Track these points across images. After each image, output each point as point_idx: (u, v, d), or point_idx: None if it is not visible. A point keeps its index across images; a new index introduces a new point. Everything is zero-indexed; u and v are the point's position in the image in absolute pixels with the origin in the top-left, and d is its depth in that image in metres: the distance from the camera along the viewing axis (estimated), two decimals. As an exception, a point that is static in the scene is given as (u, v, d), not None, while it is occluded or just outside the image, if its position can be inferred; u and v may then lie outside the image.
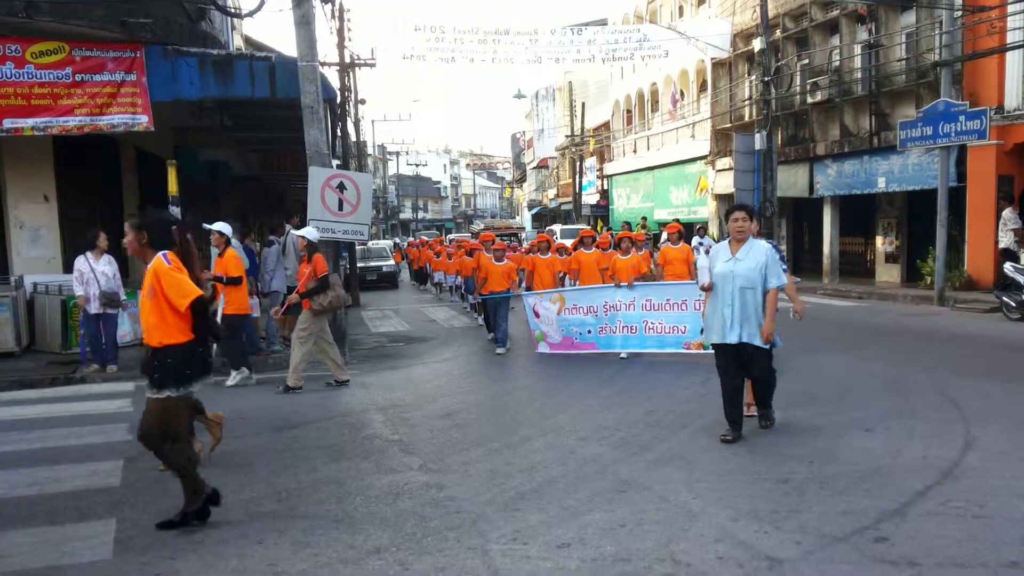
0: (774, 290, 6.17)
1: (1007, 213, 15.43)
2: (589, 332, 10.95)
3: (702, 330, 7.80)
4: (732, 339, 6.25)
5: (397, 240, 45.72)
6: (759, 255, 6.19)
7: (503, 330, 11.87)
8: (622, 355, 10.65)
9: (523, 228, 35.49)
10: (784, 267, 5.99)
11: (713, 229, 27.05)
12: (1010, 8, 15.00)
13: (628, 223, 28.41)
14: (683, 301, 10.29)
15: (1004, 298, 13.11)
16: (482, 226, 34.35)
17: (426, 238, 34.35)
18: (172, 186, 10.31)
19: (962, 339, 11.33)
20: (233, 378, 9.56)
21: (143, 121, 10.81)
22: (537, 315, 11.34)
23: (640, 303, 10.61)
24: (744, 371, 6.44)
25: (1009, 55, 15.54)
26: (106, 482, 5.77)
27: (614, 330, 10.77)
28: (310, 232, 9.66)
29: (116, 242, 11.79)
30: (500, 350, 11.65)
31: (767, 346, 6.16)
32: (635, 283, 10.78)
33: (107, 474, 5.96)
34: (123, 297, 10.46)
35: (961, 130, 15.07)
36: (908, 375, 8.83)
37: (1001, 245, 15.54)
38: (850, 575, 3.91)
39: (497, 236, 22.86)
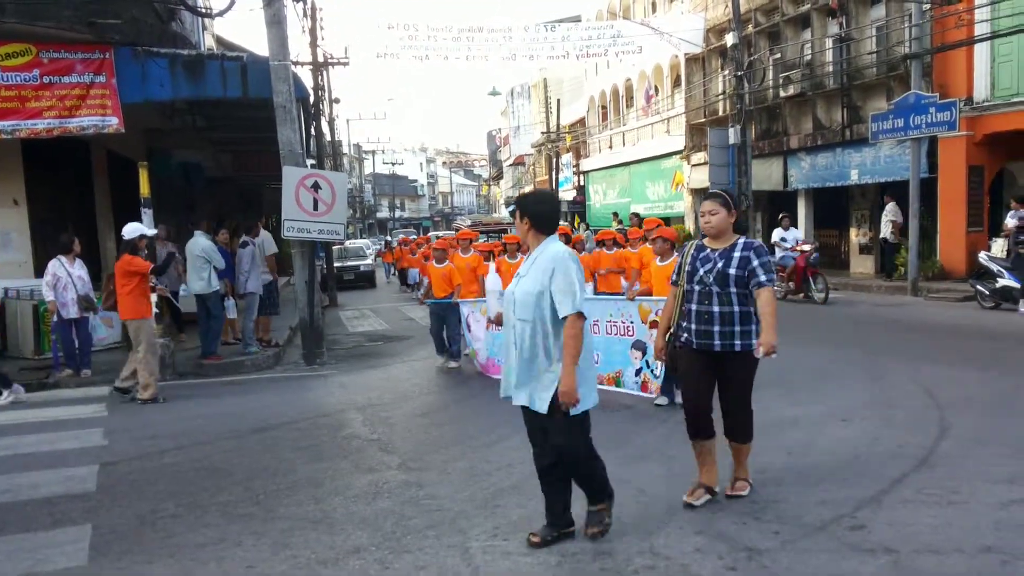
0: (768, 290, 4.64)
1: (890, 207, 17.78)
2: None
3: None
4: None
5: (388, 239, 42.48)
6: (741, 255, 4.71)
7: (456, 342, 10.34)
8: None
9: (512, 223, 34.17)
10: (771, 274, 4.63)
11: (689, 224, 27.19)
12: (977, 1, 15.18)
13: (616, 214, 28.39)
14: (595, 321, 8.03)
15: (979, 287, 13.28)
16: (468, 222, 32.87)
17: (411, 236, 33.95)
18: (144, 188, 10.21)
19: (936, 328, 11.46)
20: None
21: (113, 123, 10.68)
22: (469, 328, 9.83)
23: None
24: None
25: (977, 47, 15.72)
26: (81, 488, 5.70)
27: None
28: (132, 228, 8.88)
29: (87, 246, 11.66)
30: (452, 363, 10.27)
31: (576, 410, 4.13)
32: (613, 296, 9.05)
33: (82, 480, 5.89)
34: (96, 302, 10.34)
35: (931, 122, 15.25)
36: (884, 364, 8.92)
37: (881, 235, 18.41)
38: (828, 564, 3.94)
39: (484, 233, 22.64)
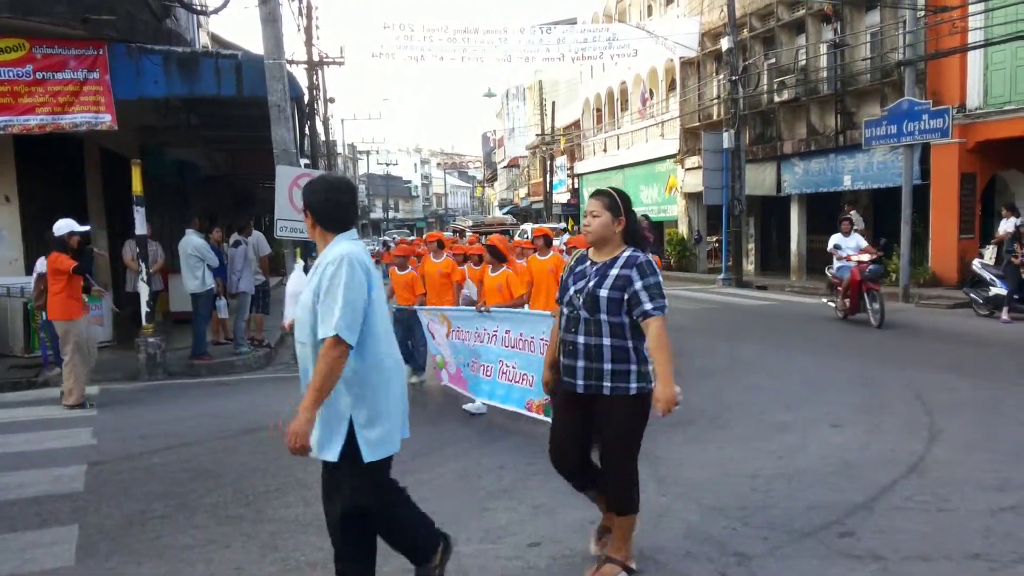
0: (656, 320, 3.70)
1: (854, 214, 17.53)
2: (469, 366, 8.07)
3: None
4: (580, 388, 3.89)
5: (386, 239, 39.85)
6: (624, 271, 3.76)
7: (423, 355, 9.31)
8: (470, 409, 7.82)
9: (516, 224, 31.22)
10: (659, 301, 3.69)
11: (682, 228, 27.24)
12: (971, 8, 15.24)
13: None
14: (531, 338, 7.13)
15: (972, 295, 13.34)
16: (469, 222, 31.61)
17: (408, 237, 33.69)
18: (137, 186, 10.15)
19: (928, 335, 11.49)
20: None
21: (106, 120, 10.64)
22: (433, 335, 8.82)
23: (501, 335, 7.52)
24: None
25: (971, 55, 15.78)
26: (69, 487, 5.67)
27: (478, 369, 7.90)
28: (61, 225, 8.64)
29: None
30: (415, 378, 9.27)
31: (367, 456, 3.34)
32: (494, 309, 7.78)
33: (70, 479, 5.85)
34: (87, 301, 10.29)
35: (925, 129, 15.29)
36: (875, 370, 8.95)
37: None
38: (817, 570, 3.95)
39: (487, 234, 22.33)
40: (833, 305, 13.47)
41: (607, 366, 3.75)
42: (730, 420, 7.03)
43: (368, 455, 3.29)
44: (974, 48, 15.38)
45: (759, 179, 22.40)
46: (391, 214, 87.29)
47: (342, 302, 3.14)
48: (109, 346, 11.65)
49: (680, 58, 26.15)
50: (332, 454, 3.31)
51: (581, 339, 3.78)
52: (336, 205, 3.39)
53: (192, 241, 10.78)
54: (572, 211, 39.35)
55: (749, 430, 6.67)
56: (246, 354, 11.27)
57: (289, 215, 10.88)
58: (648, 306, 3.67)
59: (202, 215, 12.05)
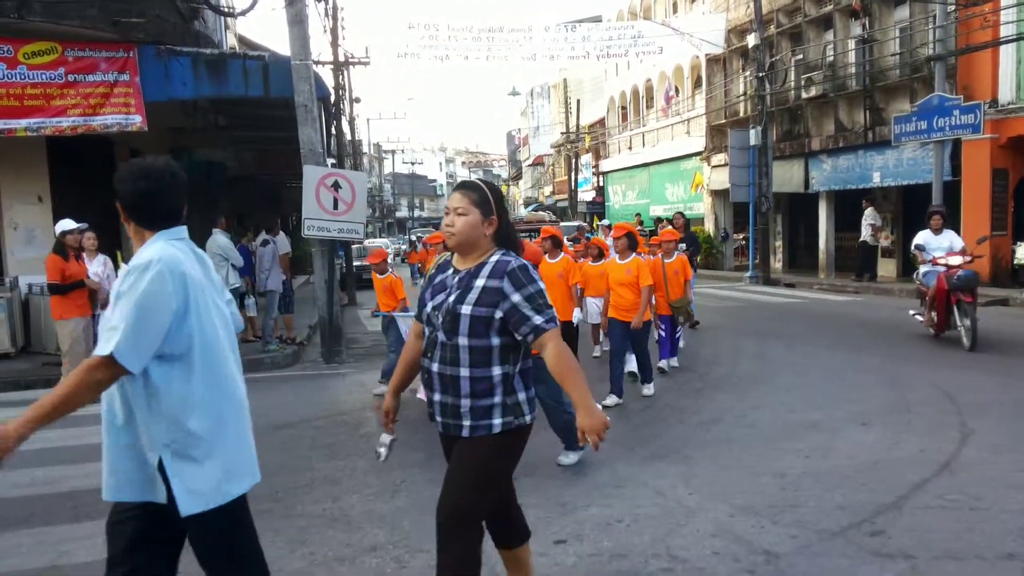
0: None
1: (869, 211, 18.82)
2: None
3: None
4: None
5: (413, 238, 38.45)
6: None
7: (391, 361, 8.68)
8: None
9: (556, 221, 29.62)
10: (546, 312, 3.01)
11: (709, 226, 27.07)
12: (1003, 2, 15.01)
13: (639, 215, 28.19)
14: None
15: None
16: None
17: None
18: (166, 186, 10.27)
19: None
20: None
21: (136, 121, 10.78)
22: None
23: None
24: None
25: (1003, 49, 15.54)
26: (101, 483, 5.74)
27: None
28: (59, 225, 8.75)
29: (111, 242, 11.76)
30: (378, 390, 8.85)
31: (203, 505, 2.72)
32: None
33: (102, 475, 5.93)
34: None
35: (955, 124, 15.10)
36: (904, 369, 8.85)
37: (861, 239, 19.12)
38: (846, 569, 3.92)
39: (526, 232, 21.79)
40: (920, 319, 11.06)
41: (464, 402, 3.02)
42: (758, 419, 6.99)
43: (190, 506, 2.66)
44: (1006, 42, 15.14)
45: (786, 176, 22.21)
46: (416, 213, 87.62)
47: (133, 319, 2.54)
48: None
49: (706, 55, 26.00)
50: (162, 497, 2.69)
51: (436, 367, 3.06)
52: (152, 195, 2.75)
53: (217, 240, 10.91)
54: (597, 209, 39.27)
55: (777, 429, 6.63)
56: (274, 351, 11.37)
57: (316, 214, 10.97)
58: (538, 320, 2.96)
59: (229, 215, 12.17)
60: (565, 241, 9.92)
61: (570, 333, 8.54)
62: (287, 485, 5.59)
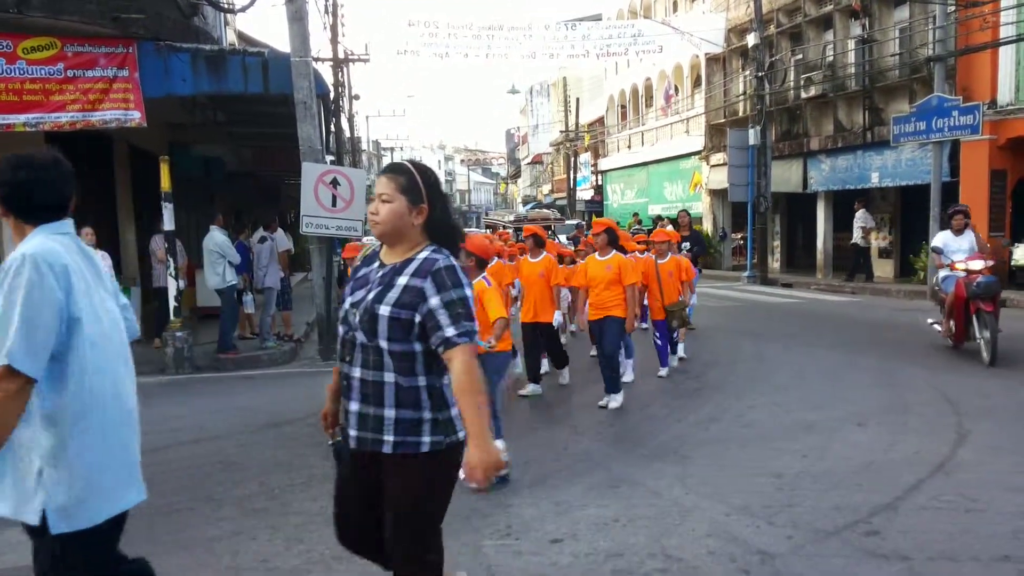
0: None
1: (860, 213, 18.71)
2: None
3: None
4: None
5: None
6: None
7: None
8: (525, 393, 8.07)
9: (561, 219, 27.54)
10: (465, 324, 2.66)
11: (708, 225, 27.08)
12: (1003, 3, 15.02)
13: (636, 214, 28.11)
14: None
15: None
16: (511, 216, 28.83)
17: None
18: (165, 182, 10.27)
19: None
20: None
21: (135, 117, 10.75)
22: None
23: None
24: None
25: (1002, 50, 15.55)
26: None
27: None
28: None
29: (109, 238, 11.77)
30: None
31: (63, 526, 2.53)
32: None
33: None
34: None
35: (954, 125, 15.11)
36: (901, 370, 8.86)
37: (852, 240, 19.03)
38: (841, 569, 3.93)
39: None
40: (939, 328, 9.96)
41: (389, 413, 2.68)
42: (755, 419, 7.00)
43: (57, 524, 2.47)
44: (1006, 43, 15.15)
45: (785, 176, 22.22)
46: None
47: (18, 321, 2.36)
48: (138, 341, 11.79)
49: (705, 54, 26.00)
50: (33, 515, 2.48)
51: (357, 372, 2.73)
52: (30, 186, 2.58)
53: (214, 237, 10.90)
54: (596, 207, 39.27)
55: (774, 429, 6.64)
56: (272, 348, 11.37)
57: (315, 211, 10.96)
58: (449, 331, 2.60)
59: (227, 211, 12.16)
60: (563, 241, 9.62)
61: (551, 336, 8.40)
62: (284, 483, 5.59)
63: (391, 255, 2.81)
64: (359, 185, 11.52)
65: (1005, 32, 15.10)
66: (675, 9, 29.59)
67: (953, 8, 15.89)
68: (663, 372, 8.96)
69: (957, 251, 9.59)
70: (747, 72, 23.52)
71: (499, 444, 2.58)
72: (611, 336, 7.43)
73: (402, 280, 2.69)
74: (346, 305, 2.80)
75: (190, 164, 16.81)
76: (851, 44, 20.30)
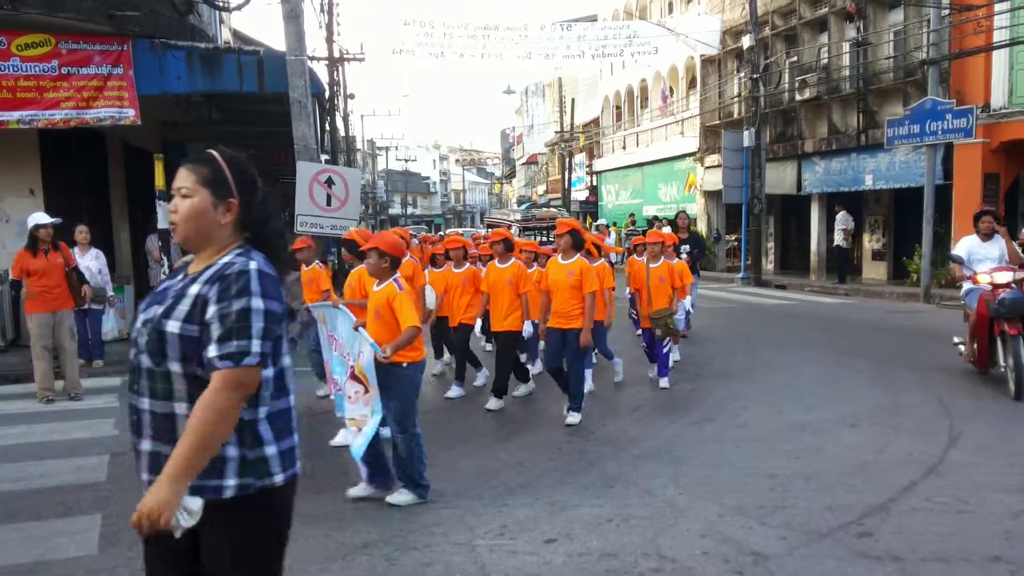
0: None
1: (841, 215, 19.06)
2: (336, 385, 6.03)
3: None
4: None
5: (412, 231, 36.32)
6: None
7: (315, 360, 8.25)
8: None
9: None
10: (236, 343, 2.16)
11: (702, 227, 27.13)
12: (996, 7, 15.09)
13: (632, 215, 28.00)
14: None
15: None
16: (517, 215, 26.18)
17: (424, 232, 32.96)
18: (159, 181, 10.24)
19: (948, 336, 11.38)
20: None
21: (130, 115, 10.73)
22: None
23: (356, 353, 5.24)
24: None
25: (995, 54, 15.62)
26: (92, 477, 5.74)
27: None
28: (30, 219, 8.74)
29: (103, 236, 11.74)
30: (320, 391, 8.36)
31: None
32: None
33: (93, 469, 5.93)
34: (110, 293, 10.40)
35: (948, 128, 15.17)
36: (894, 371, 8.89)
37: (835, 243, 19.42)
38: (834, 570, 3.94)
39: (536, 230, 20.14)
40: (963, 350, 8.64)
41: None
42: (749, 420, 7.01)
43: None
44: (999, 47, 15.22)
45: (779, 178, 22.27)
46: (409, 210, 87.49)
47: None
48: (124, 340, 11.73)
49: (701, 56, 26.04)
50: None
51: (146, 403, 2.26)
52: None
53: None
54: (591, 208, 39.32)
55: (767, 430, 6.66)
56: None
57: (310, 210, 10.94)
58: (212, 351, 2.16)
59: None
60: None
61: (507, 350, 7.87)
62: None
63: (197, 262, 2.38)
64: (353, 184, 11.51)
65: (999, 36, 15.17)
66: (671, 10, 29.63)
67: (947, 12, 15.95)
68: (663, 383, 8.35)
69: (984, 260, 8.19)
70: (742, 74, 23.57)
71: (193, 502, 2.11)
72: (572, 350, 6.92)
73: (194, 289, 2.25)
74: (137, 324, 2.32)
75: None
76: (846, 47, 20.35)
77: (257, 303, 2.20)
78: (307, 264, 8.38)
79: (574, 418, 6.99)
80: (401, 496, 5.08)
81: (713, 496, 5.00)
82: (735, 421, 6.99)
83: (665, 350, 8.41)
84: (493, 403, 7.69)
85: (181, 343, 2.19)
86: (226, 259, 2.29)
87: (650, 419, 7.19)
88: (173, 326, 2.20)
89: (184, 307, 2.22)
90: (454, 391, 8.30)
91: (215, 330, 2.16)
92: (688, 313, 10.25)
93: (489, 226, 25.47)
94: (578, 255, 7.03)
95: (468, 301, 8.37)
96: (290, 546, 4.39)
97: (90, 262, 10.10)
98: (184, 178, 2.33)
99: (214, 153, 2.39)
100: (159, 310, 2.25)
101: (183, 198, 2.32)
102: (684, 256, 10.80)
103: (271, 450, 2.29)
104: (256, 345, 2.17)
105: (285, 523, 2.40)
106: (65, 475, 5.80)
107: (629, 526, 4.55)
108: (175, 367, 2.21)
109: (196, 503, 2.12)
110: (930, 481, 5.18)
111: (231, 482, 2.21)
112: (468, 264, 8.59)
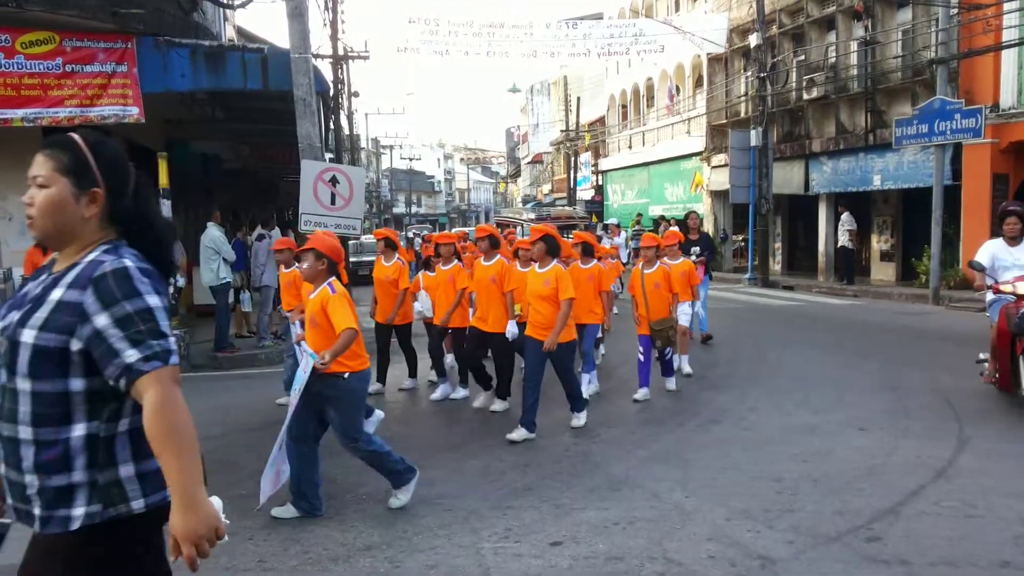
0: None
1: (845, 216, 19.11)
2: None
3: None
4: None
5: (409, 235, 35.12)
6: None
7: (288, 366, 7.74)
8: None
9: (587, 218, 25.14)
10: (152, 344, 1.95)
11: (708, 227, 27.05)
12: (1006, 6, 14.97)
13: (640, 215, 27.85)
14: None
15: None
16: (532, 215, 24.32)
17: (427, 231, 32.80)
18: (163, 179, 10.23)
19: (957, 338, 11.31)
20: None
21: (134, 113, 10.71)
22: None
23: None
24: None
25: (1004, 53, 15.51)
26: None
27: None
28: None
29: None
30: (280, 400, 7.83)
31: None
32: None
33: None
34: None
35: (957, 128, 15.07)
36: (902, 374, 8.82)
37: (839, 244, 19.49)
38: (841, 574, 3.89)
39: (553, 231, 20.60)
40: (987, 368, 7.49)
41: (30, 479, 1.97)
42: (756, 422, 6.96)
43: None
44: (1008, 47, 15.11)
45: (787, 178, 22.18)
46: (413, 209, 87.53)
47: None
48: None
49: (707, 54, 25.96)
50: None
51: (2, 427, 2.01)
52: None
53: (210, 234, 10.87)
54: (596, 208, 39.25)
55: (775, 432, 6.60)
56: (269, 347, 11.32)
57: (314, 209, 10.91)
58: (130, 356, 1.93)
59: (224, 208, 12.11)
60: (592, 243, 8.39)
61: (505, 350, 7.53)
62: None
63: (60, 260, 2.11)
64: (358, 183, 11.47)
65: (1008, 35, 15.06)
66: (677, 8, 29.54)
67: (956, 11, 15.85)
68: (671, 386, 8.17)
69: (1012, 267, 7.20)
70: (749, 73, 23.47)
71: (215, 502, 2.03)
72: (557, 360, 6.64)
73: (56, 295, 1.99)
74: None
75: (188, 161, 16.77)
76: (853, 46, 20.26)
77: (154, 300, 1.99)
78: (287, 266, 8.09)
79: (579, 420, 6.90)
80: (285, 511, 4.88)
81: (720, 499, 4.95)
82: (742, 424, 6.93)
83: (668, 356, 8.15)
84: (498, 405, 7.65)
85: (34, 355, 1.95)
86: (91, 256, 2.03)
87: (656, 421, 7.14)
88: (28, 335, 1.96)
89: (42, 314, 1.97)
90: (458, 392, 8.23)
91: (120, 337, 1.92)
92: (698, 316, 10.20)
93: (499, 225, 24.90)
94: (554, 262, 6.65)
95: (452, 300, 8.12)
96: (292, 547, 4.37)
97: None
98: (40, 165, 2.06)
99: (75, 136, 2.11)
100: (16, 316, 2.01)
101: (39, 188, 2.05)
102: (694, 258, 10.45)
103: (127, 471, 2.01)
104: (172, 342, 2.01)
105: (152, 561, 2.09)
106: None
107: (635, 529, 4.51)
108: (24, 384, 1.95)
109: (217, 502, 2.05)
110: (939, 485, 5.12)
111: (79, 511, 1.94)
112: (456, 261, 8.35)
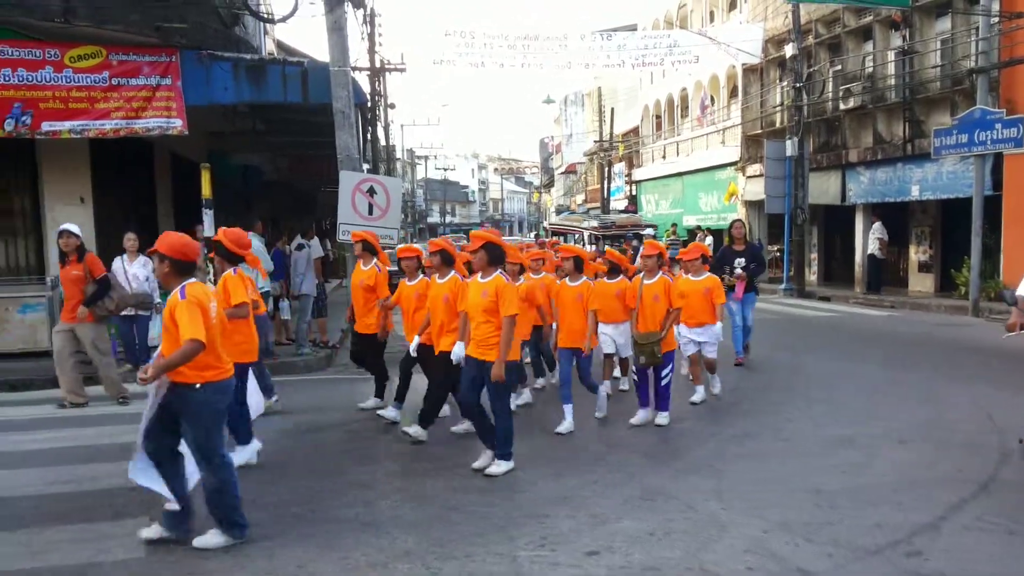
0: None
1: (876, 225, 19.24)
2: None
3: None
4: None
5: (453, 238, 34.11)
6: None
7: (265, 375, 7.76)
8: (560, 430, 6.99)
9: (653, 226, 23.66)
10: None
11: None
12: (1049, 14, 14.75)
13: (675, 224, 27.80)
14: None
15: None
16: (594, 222, 22.33)
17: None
18: (206, 189, 10.42)
19: (998, 351, 11.13)
20: None
21: (177, 125, 10.94)
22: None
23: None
24: None
25: (1047, 62, 15.27)
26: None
27: None
28: (72, 225, 8.70)
29: (151, 244, 11.90)
30: (270, 401, 7.76)
31: None
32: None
33: (139, 473, 6.01)
34: (156, 300, 10.57)
35: (997, 138, 14.85)
36: (942, 386, 8.70)
37: (868, 252, 19.64)
38: (883, 589, 3.86)
39: (616, 238, 18.99)
40: None
41: None
42: (792, 434, 6.91)
43: None
44: (1051, 55, 14.88)
45: (823, 188, 21.97)
46: (448, 219, 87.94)
47: None
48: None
49: (743, 65, 25.82)
50: None
51: None
52: None
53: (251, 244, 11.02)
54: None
55: (812, 444, 6.56)
56: (308, 355, 11.46)
57: (352, 219, 11.06)
58: None
59: (264, 219, 12.29)
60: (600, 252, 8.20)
61: (452, 373, 6.51)
62: (319, 489, 5.62)
63: None
64: (395, 193, 11.61)
65: (1051, 43, 14.83)
66: (712, 19, 29.45)
67: (996, 19, 15.64)
68: (661, 420, 7.26)
69: None
70: (785, 83, 23.32)
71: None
72: (489, 387, 5.87)
73: None
74: None
75: (228, 172, 17.06)
76: (891, 55, 20.04)
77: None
78: (411, 278, 7.67)
79: (499, 467, 5.86)
80: (211, 539, 4.56)
81: (756, 511, 4.93)
82: (778, 435, 6.89)
83: (664, 382, 7.25)
84: (414, 429, 6.89)
85: None
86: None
87: (690, 433, 7.12)
88: None
89: None
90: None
91: None
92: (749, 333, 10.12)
93: (553, 234, 22.75)
94: (497, 272, 5.89)
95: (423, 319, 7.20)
96: (328, 553, 4.43)
97: (138, 269, 10.28)
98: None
99: None
100: None
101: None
102: (739, 271, 9.92)
103: None
104: None
105: None
106: (115, 478, 5.87)
107: (671, 540, 4.51)
108: None
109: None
110: (980, 500, 5.06)
111: None
112: (421, 276, 7.57)
